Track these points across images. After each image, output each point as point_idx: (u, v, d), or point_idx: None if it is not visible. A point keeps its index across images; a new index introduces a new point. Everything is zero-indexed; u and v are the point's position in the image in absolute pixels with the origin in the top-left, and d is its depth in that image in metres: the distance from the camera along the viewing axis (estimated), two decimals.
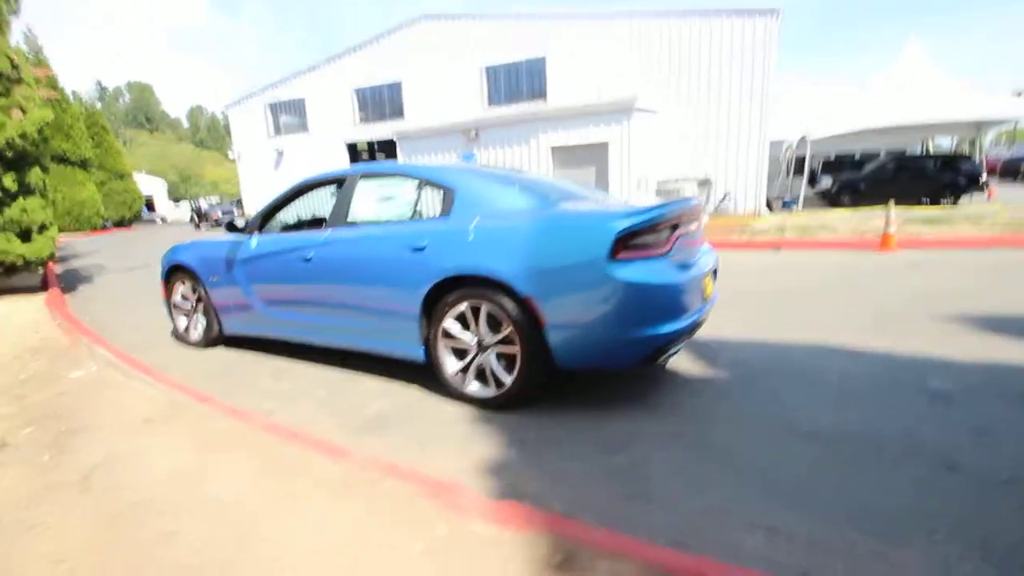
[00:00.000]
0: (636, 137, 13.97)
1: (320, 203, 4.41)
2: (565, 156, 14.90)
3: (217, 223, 25.02)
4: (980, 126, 19.00)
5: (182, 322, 4.66)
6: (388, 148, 28.13)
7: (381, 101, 21.91)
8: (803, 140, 15.68)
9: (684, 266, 2.78)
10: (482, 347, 2.92)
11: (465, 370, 3.01)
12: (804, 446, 2.36)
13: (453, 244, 2.86)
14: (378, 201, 3.48)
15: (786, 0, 15.22)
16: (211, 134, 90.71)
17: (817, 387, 3.01)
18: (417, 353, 3.17)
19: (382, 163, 3.58)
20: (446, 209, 3.03)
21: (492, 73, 19.42)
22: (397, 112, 21.56)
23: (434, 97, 20.51)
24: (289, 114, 24.33)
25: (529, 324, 2.69)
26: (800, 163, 18.76)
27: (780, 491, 2.03)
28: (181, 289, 4.56)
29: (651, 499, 2.02)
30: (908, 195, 16.00)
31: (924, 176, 16.25)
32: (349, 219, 3.48)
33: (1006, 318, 4.12)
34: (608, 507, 1.98)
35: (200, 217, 25.45)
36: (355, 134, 22.79)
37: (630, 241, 2.52)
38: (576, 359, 2.70)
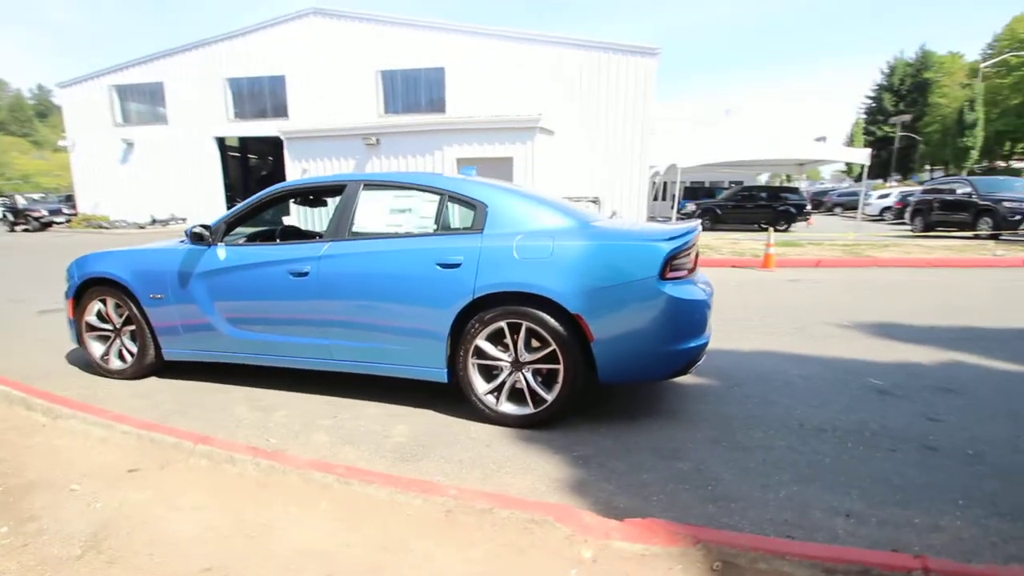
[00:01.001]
0: (540, 155, 14.60)
1: (280, 214, 3.98)
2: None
3: (40, 221, 20.70)
4: (802, 164, 23.08)
5: (97, 348, 3.87)
6: (267, 147, 25.86)
7: (260, 95, 20.09)
8: (672, 167, 17.66)
9: (704, 284, 3.07)
10: (518, 365, 2.91)
11: (498, 389, 2.96)
12: (819, 440, 2.75)
13: (495, 261, 2.83)
14: (389, 213, 3.27)
15: (665, 43, 17.11)
16: (14, 116, 74.57)
17: (791, 389, 3.49)
18: (440, 374, 3.05)
19: (389, 173, 3.38)
20: (478, 225, 2.98)
21: (389, 78, 18.92)
22: (280, 109, 19.93)
23: (324, 97, 19.36)
24: (142, 101, 21.15)
25: (574, 341, 2.77)
26: (666, 189, 21.16)
27: (828, 479, 2.36)
28: (98, 308, 3.79)
29: (734, 499, 2.21)
30: (753, 220, 18.92)
31: (767, 204, 19.25)
32: (354, 231, 3.23)
33: (887, 325, 5.13)
34: (702, 511, 2.12)
35: (16, 216, 20.84)
36: (228, 129, 20.57)
37: (673, 262, 2.74)
38: (619, 373, 2.83)
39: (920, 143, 47.03)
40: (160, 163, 20.95)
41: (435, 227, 3.09)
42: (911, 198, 20.06)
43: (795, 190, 21.20)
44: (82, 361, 4.17)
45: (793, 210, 19.07)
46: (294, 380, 3.69)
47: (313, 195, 3.75)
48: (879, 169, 53.96)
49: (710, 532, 1.80)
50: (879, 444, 2.71)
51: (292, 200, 3.86)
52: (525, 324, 2.82)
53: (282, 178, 28.71)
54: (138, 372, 3.77)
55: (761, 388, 3.50)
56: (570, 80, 17.33)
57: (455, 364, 3.00)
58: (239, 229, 3.67)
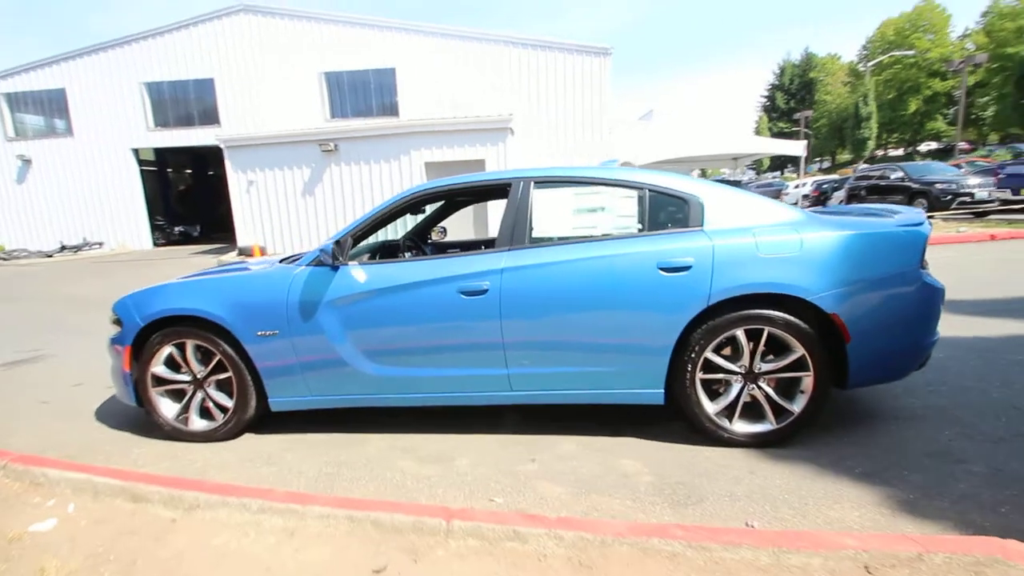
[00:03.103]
0: (512, 156, 14.25)
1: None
2: (440, 172, 14.37)
3: None
4: (736, 158, 24.49)
5: (170, 407, 3.06)
6: (187, 159, 23.57)
7: (186, 101, 18.14)
8: (627, 164, 18.04)
9: None
10: (752, 377, 2.57)
11: (731, 407, 2.61)
12: None
13: (735, 260, 2.47)
14: (575, 214, 2.79)
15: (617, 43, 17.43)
16: None
17: (983, 371, 3.39)
18: (656, 395, 2.64)
19: (559, 168, 2.88)
20: (694, 222, 2.60)
21: (334, 80, 17.77)
22: (209, 116, 18.11)
23: (261, 101, 17.80)
24: (40, 111, 18.37)
25: (824, 344, 2.48)
26: None
27: None
28: (169, 354, 2.99)
29: None
30: None
31: None
32: (535, 237, 2.73)
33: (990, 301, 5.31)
34: None
35: None
36: (148, 139, 18.36)
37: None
38: (870, 375, 2.58)
39: (811, 137, 51.77)
40: (66, 181, 18.30)
41: (640, 227, 2.67)
42: (825, 186, 21.96)
43: (739, 183, 22.41)
44: (132, 421, 3.30)
45: None
46: (429, 420, 3.10)
47: (462, 196, 3.19)
48: (777, 163, 59.04)
49: None
50: None
51: (425, 205, 3.26)
52: (767, 329, 2.49)
53: (207, 192, 26.26)
54: (235, 430, 3.01)
55: (943, 375, 3.38)
56: (528, 80, 17.16)
57: (673, 382, 2.61)
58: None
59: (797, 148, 20.06)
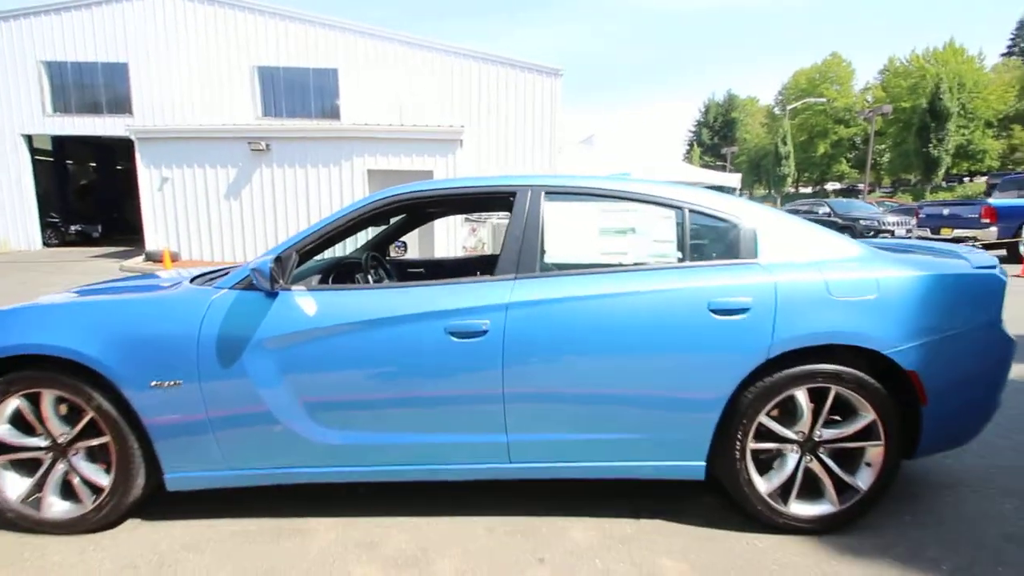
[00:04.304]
0: (462, 169, 13.66)
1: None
2: (384, 181, 13.47)
3: None
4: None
5: (14, 483, 2.14)
6: (90, 151, 21.11)
7: (93, 87, 16.09)
8: None
9: None
10: (811, 446, 2.09)
11: (788, 483, 2.10)
12: None
13: (801, 302, 1.98)
14: (599, 236, 2.20)
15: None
16: None
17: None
18: (695, 469, 2.10)
19: (577, 177, 2.30)
20: (748, 252, 2.10)
21: (269, 76, 16.44)
22: (121, 105, 16.16)
23: (182, 93, 16.11)
24: None
25: (897, 405, 2.04)
26: None
27: None
28: (22, 408, 2.08)
29: None
30: None
31: None
32: (547, 262, 2.12)
33: None
34: None
35: None
36: (45, 126, 16.06)
37: None
38: (939, 442, 2.18)
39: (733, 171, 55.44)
40: None
41: (680, 255, 2.13)
42: None
43: None
44: None
45: None
46: (396, 498, 2.37)
47: (444, 206, 2.51)
48: None
49: None
50: None
51: (396, 215, 2.56)
52: (835, 389, 2.02)
53: (113, 189, 23.38)
54: (112, 517, 2.13)
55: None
56: (479, 94, 16.74)
57: (717, 453, 2.08)
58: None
59: (733, 180, 20.97)
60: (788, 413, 2.10)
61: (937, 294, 2.02)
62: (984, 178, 36.28)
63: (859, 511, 2.09)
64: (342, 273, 2.73)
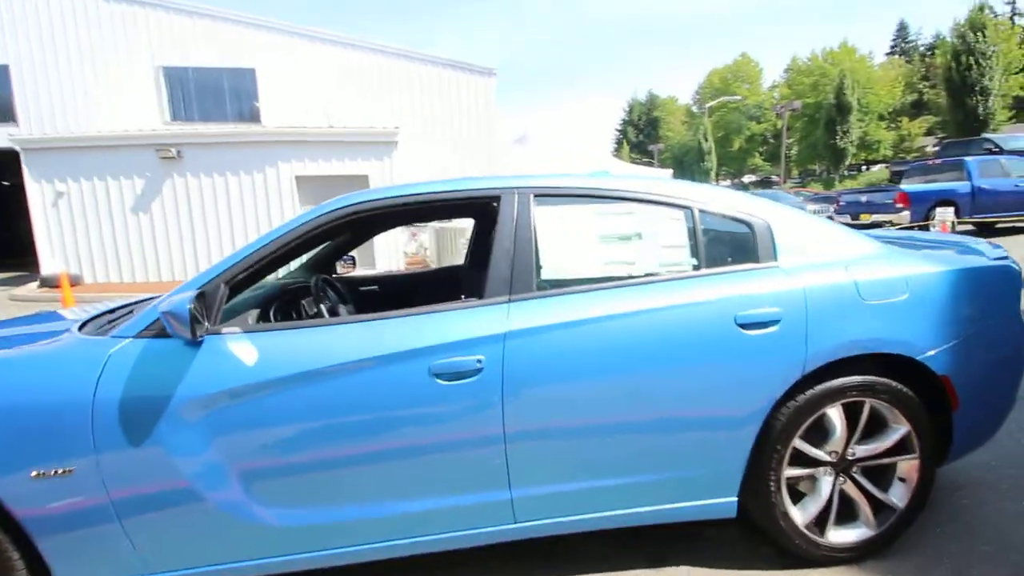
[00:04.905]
0: (399, 173, 13.05)
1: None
2: (315, 188, 12.62)
3: None
4: None
5: None
6: None
7: None
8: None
9: None
10: (844, 465, 1.89)
11: (825, 510, 1.88)
12: None
13: (833, 309, 1.78)
14: (600, 244, 1.88)
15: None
16: None
17: None
18: (727, 507, 1.85)
19: (571, 176, 1.96)
20: (766, 255, 1.86)
21: (176, 77, 15.01)
22: (3, 111, 14.14)
23: (76, 97, 14.38)
24: None
25: (929, 414, 1.88)
26: None
27: None
28: None
29: None
30: None
31: None
32: (544, 279, 1.78)
33: None
34: None
35: None
36: None
37: None
38: (967, 446, 2.06)
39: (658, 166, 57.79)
40: None
41: (695, 262, 1.86)
42: None
43: None
44: None
45: None
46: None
47: (411, 214, 2.12)
48: None
49: None
50: None
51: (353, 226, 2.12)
52: (869, 402, 1.82)
53: (1, 208, 20.48)
54: None
55: None
56: (412, 95, 16.14)
57: (747, 486, 1.83)
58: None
59: (667, 176, 21.59)
60: (819, 432, 1.88)
61: (965, 290, 1.89)
62: (879, 166, 39.86)
63: (898, 531, 1.91)
64: (287, 303, 2.24)
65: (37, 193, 11.56)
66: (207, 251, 12.02)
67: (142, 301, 2.05)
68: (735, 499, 1.83)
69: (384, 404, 1.59)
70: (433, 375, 1.60)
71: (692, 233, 1.87)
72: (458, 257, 12.59)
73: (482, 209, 2.29)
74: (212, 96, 15.43)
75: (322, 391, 1.56)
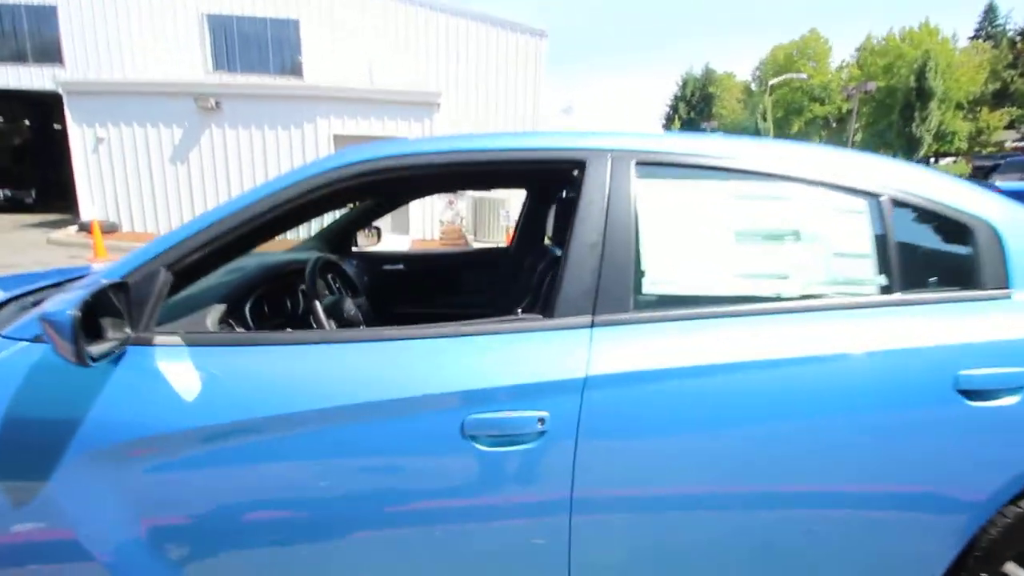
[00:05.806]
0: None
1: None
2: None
3: None
4: None
5: None
6: (31, 108, 18.95)
7: (14, 32, 13.98)
8: None
9: None
10: None
11: None
12: None
13: None
14: (736, 242, 1.25)
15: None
16: None
17: None
18: None
19: (698, 137, 1.33)
20: (993, 277, 1.20)
21: (220, 25, 14.61)
22: (48, 52, 14.15)
23: (121, 42, 14.20)
24: None
25: None
26: None
27: None
28: None
29: None
30: None
31: None
32: (645, 294, 1.16)
33: None
34: None
35: None
36: None
37: None
38: None
39: None
40: None
41: (885, 281, 1.20)
42: None
43: None
44: None
45: None
46: None
47: (452, 179, 1.54)
48: None
49: None
50: None
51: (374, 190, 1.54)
52: None
53: (50, 151, 20.93)
54: None
55: None
56: (456, 54, 15.31)
57: None
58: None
59: None
60: None
61: None
62: (949, 159, 36.65)
63: None
64: (276, 292, 1.67)
65: (79, 137, 11.47)
66: None
67: (82, 277, 1.50)
68: None
69: (385, 480, 1.03)
70: (467, 436, 1.03)
71: (882, 236, 1.21)
72: (497, 234, 11.96)
73: (548, 178, 1.66)
74: (256, 47, 15.01)
75: (286, 450, 1.02)
